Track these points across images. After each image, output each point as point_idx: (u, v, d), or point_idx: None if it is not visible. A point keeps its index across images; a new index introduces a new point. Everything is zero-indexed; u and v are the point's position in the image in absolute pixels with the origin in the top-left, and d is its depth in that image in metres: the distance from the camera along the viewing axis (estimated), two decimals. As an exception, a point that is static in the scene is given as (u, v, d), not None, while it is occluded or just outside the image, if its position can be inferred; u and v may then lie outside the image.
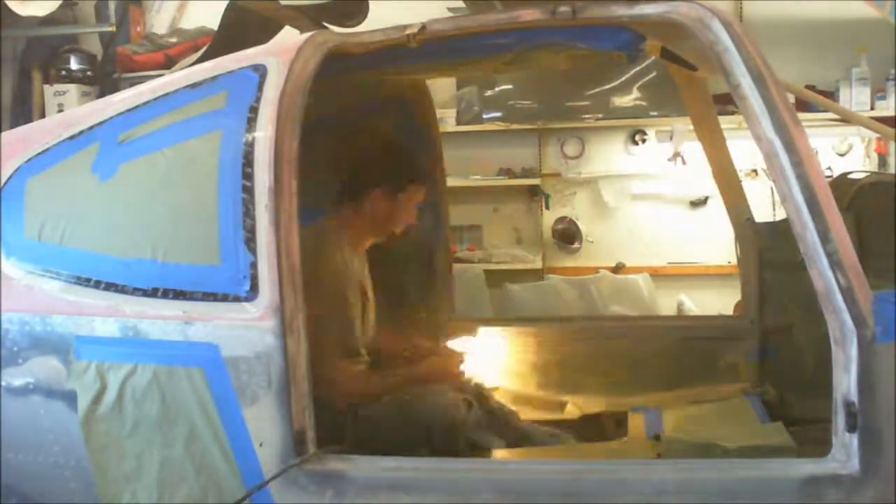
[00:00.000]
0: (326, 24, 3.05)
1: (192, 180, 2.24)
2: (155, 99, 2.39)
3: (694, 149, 5.03)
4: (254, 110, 2.20)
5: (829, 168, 5.29)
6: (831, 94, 5.35)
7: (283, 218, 2.11)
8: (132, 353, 2.18)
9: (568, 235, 5.98)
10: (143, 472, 2.18)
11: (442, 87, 5.70)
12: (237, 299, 2.11)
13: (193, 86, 2.36)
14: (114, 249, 2.25)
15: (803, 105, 4.79)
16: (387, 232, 3.12)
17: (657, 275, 5.73)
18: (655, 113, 5.71)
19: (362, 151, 3.08)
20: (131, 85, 4.95)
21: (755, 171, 5.41)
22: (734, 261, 3.61)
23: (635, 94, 5.72)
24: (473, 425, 2.82)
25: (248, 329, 2.09)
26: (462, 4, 3.08)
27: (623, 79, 5.69)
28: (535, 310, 5.32)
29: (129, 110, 2.40)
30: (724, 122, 3.67)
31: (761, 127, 2.08)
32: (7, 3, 5.10)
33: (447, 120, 5.63)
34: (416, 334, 3.32)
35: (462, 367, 3.03)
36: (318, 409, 2.14)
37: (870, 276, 2.00)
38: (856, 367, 1.94)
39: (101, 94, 5.60)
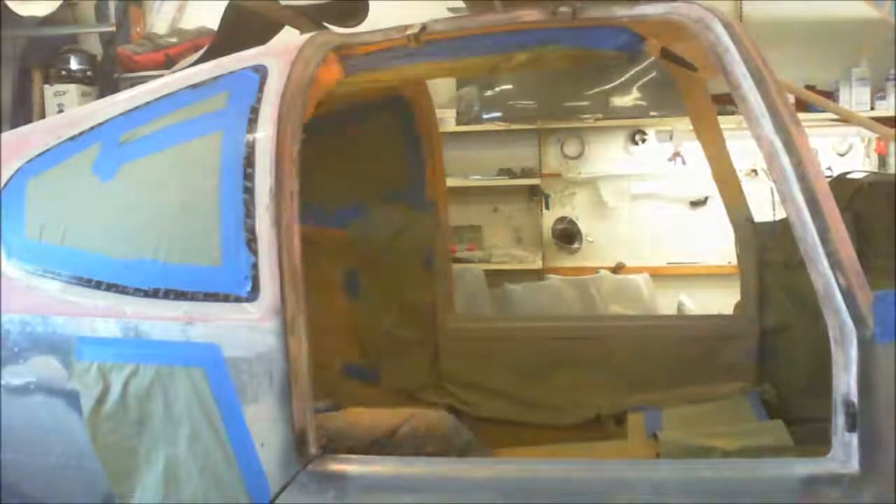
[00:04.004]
0: (326, 25, 3.05)
1: (193, 181, 2.24)
2: (156, 99, 2.39)
3: (694, 149, 5.04)
4: (254, 111, 2.20)
5: (829, 168, 5.30)
6: (831, 94, 5.36)
7: (285, 218, 2.11)
8: (134, 353, 2.19)
9: (568, 235, 5.99)
10: (149, 471, 2.18)
11: (442, 87, 5.72)
12: (238, 300, 2.11)
13: (194, 86, 2.36)
14: (115, 250, 2.25)
15: (803, 105, 4.80)
16: None
17: (657, 275, 5.74)
18: (655, 113, 5.73)
19: None
20: (131, 85, 4.97)
21: (755, 171, 5.42)
22: (734, 261, 3.61)
23: (635, 94, 5.73)
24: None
25: (249, 329, 2.10)
26: (462, 4, 3.08)
27: (623, 79, 5.70)
28: (535, 310, 5.33)
29: (130, 111, 2.40)
30: (724, 122, 3.67)
31: (762, 127, 2.08)
32: (7, 3, 5.11)
33: (447, 120, 5.64)
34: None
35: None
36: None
37: (869, 276, 2.00)
38: (855, 367, 1.95)
39: (101, 94, 5.61)
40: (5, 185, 2.45)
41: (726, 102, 4.07)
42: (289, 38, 2.65)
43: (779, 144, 2.06)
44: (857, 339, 1.94)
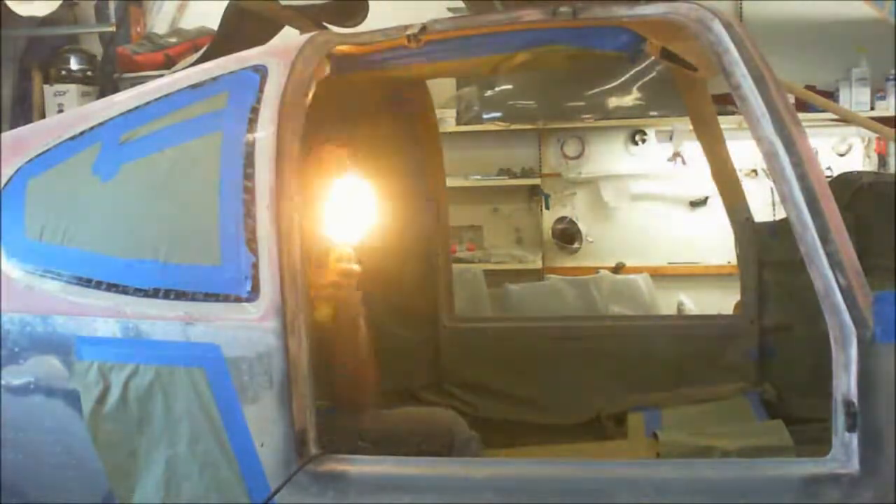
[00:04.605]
0: (326, 25, 3.06)
1: (193, 181, 2.24)
2: (156, 99, 2.39)
3: (694, 149, 5.04)
4: (255, 111, 2.20)
5: (829, 168, 5.30)
6: (831, 94, 5.36)
7: (285, 218, 2.11)
8: (134, 353, 2.19)
9: (568, 235, 5.99)
10: (150, 471, 2.19)
11: (442, 87, 5.71)
12: (238, 300, 2.11)
13: (194, 86, 2.36)
14: (115, 250, 2.25)
15: (803, 105, 4.80)
16: None
17: (657, 275, 5.74)
18: (655, 113, 5.72)
19: None
20: (131, 85, 4.97)
21: (755, 171, 5.42)
22: (734, 261, 3.61)
23: (635, 94, 5.73)
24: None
25: (249, 329, 2.10)
26: (462, 4, 3.09)
27: (623, 79, 5.70)
28: (535, 310, 5.33)
29: (130, 111, 2.40)
30: (724, 122, 3.67)
31: (762, 127, 2.08)
32: (7, 3, 5.11)
33: (447, 120, 5.64)
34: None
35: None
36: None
37: (870, 276, 2.00)
38: (855, 367, 1.95)
39: (101, 94, 5.61)
40: (5, 185, 2.46)
41: (726, 102, 4.08)
42: (289, 38, 2.65)
43: (779, 145, 2.05)
44: (857, 339, 1.94)
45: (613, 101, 5.76)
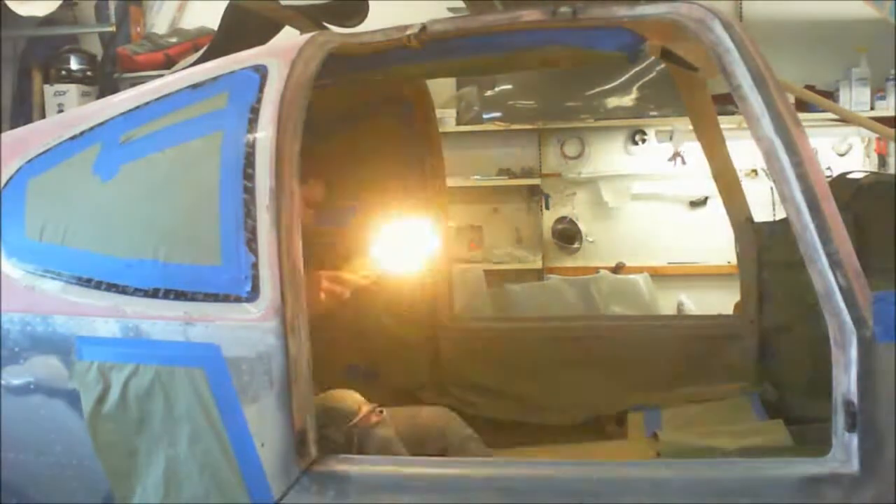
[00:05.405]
0: (326, 25, 3.06)
1: (193, 181, 2.24)
2: (156, 99, 2.39)
3: (694, 149, 5.04)
4: (255, 111, 2.20)
5: (829, 168, 5.31)
6: (831, 94, 5.36)
7: (285, 218, 2.11)
8: (134, 353, 2.19)
9: (568, 235, 5.99)
10: (150, 471, 2.19)
11: (442, 87, 5.71)
12: (238, 300, 2.11)
13: (194, 86, 2.36)
14: (115, 250, 2.25)
15: (803, 105, 4.80)
16: None
17: (657, 275, 5.74)
18: (655, 113, 5.73)
19: None
20: (131, 85, 4.97)
21: (755, 171, 5.43)
22: (734, 261, 3.62)
23: (635, 94, 5.73)
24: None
25: (249, 329, 2.10)
26: (462, 4, 3.09)
27: (623, 79, 5.70)
28: (535, 310, 5.33)
29: (130, 111, 2.40)
30: (724, 122, 3.67)
31: (762, 127, 2.08)
32: (7, 3, 5.11)
33: (447, 120, 5.64)
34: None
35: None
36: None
37: (869, 276, 2.00)
38: (855, 367, 1.95)
39: (101, 94, 5.62)
40: (5, 185, 2.46)
41: (726, 102, 4.08)
42: (289, 38, 2.65)
43: (779, 144, 2.06)
44: (857, 339, 1.94)
45: (613, 101, 5.77)
